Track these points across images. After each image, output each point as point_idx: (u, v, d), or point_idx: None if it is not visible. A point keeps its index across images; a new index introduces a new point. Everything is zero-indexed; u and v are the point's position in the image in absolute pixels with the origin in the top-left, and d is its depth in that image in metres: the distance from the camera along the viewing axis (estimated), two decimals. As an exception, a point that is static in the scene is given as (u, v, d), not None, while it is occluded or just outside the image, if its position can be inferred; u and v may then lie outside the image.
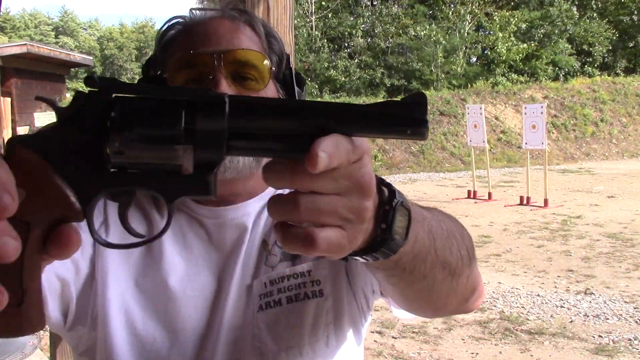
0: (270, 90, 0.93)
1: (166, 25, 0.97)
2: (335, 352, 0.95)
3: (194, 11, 0.95)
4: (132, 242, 0.51)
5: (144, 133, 0.45)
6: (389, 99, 0.51)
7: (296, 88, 0.97)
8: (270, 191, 1.00)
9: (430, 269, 0.67)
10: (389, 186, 0.59)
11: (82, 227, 0.54)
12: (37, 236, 0.44)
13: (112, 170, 0.46)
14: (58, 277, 0.86)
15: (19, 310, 0.42)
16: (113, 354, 0.87)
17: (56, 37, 69.02)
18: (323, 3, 26.57)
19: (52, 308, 0.87)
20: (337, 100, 19.02)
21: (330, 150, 0.45)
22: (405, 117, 0.49)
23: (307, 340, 0.91)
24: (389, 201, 0.57)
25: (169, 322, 0.90)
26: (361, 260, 0.60)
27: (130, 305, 0.90)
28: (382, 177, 0.60)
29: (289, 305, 0.92)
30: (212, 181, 0.47)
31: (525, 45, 24.76)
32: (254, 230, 0.96)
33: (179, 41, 0.93)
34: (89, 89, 0.48)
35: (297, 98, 0.97)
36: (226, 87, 0.86)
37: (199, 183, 0.47)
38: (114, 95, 0.46)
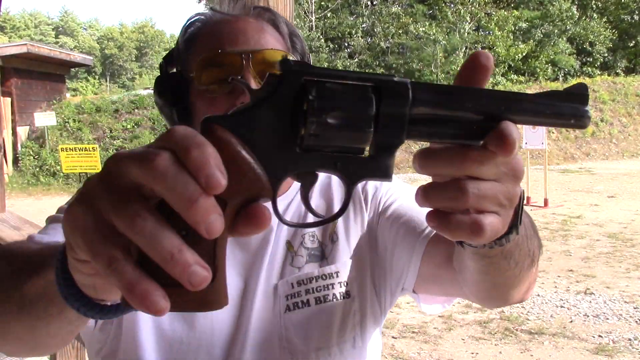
0: None
1: (188, 22, 0.96)
2: (362, 351, 0.96)
3: (215, 9, 0.95)
4: (312, 221, 0.52)
5: (341, 116, 0.46)
6: (552, 89, 0.52)
7: None
8: (293, 191, 0.99)
9: (522, 257, 0.67)
10: None
11: None
12: (230, 214, 0.44)
13: (299, 151, 0.47)
14: None
15: (211, 285, 0.43)
16: (140, 356, 0.86)
17: (56, 37, 69.10)
18: (322, 3, 26.56)
19: None
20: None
21: (517, 135, 0.47)
22: (569, 107, 0.51)
23: (335, 341, 0.92)
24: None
25: (196, 323, 0.89)
26: (477, 247, 0.60)
27: None
28: None
29: (317, 307, 0.92)
30: (391, 164, 0.48)
31: (524, 45, 24.75)
32: (279, 230, 0.96)
33: (203, 39, 0.92)
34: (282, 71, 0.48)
35: None
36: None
37: (379, 166, 0.48)
38: (304, 78, 0.47)
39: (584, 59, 26.65)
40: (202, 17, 0.95)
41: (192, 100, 0.92)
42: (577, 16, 26.17)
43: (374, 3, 27.69)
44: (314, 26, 25.82)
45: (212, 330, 0.89)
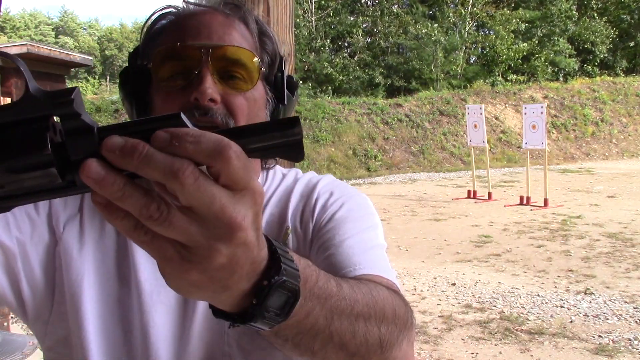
0: (258, 92, 0.89)
1: (158, 14, 0.92)
2: None
3: (187, 2, 0.91)
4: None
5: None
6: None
7: (286, 92, 0.93)
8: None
9: (321, 348, 0.62)
10: (278, 260, 0.50)
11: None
12: None
13: None
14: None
15: None
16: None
17: (56, 37, 69.11)
18: (322, 2, 26.56)
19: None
20: (336, 101, 18.99)
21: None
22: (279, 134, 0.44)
23: None
24: (267, 277, 0.49)
25: (144, 331, 0.84)
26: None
27: (105, 311, 0.84)
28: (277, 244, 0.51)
29: None
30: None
31: (524, 44, 24.76)
32: None
33: (168, 32, 0.89)
34: None
35: (286, 102, 0.94)
36: (211, 84, 0.82)
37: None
38: None
39: (584, 58, 26.65)
40: (172, 9, 0.91)
41: (151, 94, 0.88)
42: (577, 16, 26.18)
43: (375, 3, 27.70)
44: (314, 26, 25.81)
45: (157, 339, 0.84)
